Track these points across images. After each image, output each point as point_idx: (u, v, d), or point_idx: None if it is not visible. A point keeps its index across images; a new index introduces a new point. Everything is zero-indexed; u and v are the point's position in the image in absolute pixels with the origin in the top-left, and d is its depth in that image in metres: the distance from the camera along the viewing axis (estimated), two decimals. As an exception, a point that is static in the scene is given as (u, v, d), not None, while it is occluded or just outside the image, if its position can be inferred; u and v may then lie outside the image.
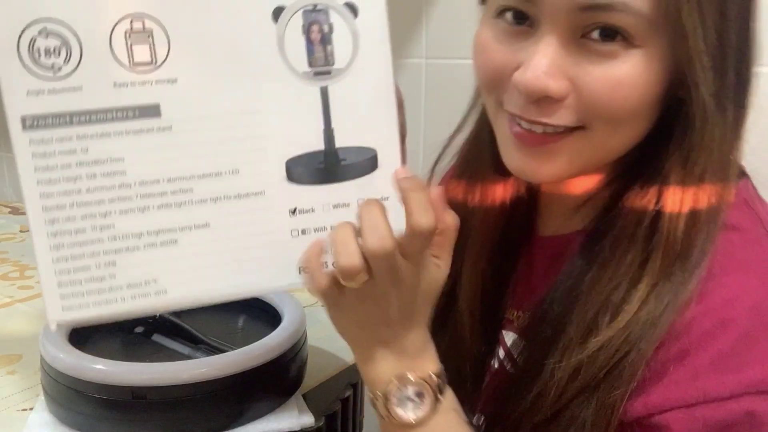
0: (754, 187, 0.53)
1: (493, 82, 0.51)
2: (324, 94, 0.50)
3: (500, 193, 0.61)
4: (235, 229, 0.50)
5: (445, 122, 1.07)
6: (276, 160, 0.49)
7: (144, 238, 0.49)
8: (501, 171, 0.56)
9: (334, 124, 0.50)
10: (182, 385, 0.63)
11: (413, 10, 1.04)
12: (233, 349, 0.68)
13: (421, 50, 1.06)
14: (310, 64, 0.49)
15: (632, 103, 0.46)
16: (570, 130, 0.48)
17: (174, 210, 0.49)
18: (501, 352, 0.60)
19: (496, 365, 0.60)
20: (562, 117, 0.48)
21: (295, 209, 0.50)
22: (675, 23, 0.44)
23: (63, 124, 0.46)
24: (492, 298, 0.62)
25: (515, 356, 0.55)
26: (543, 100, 0.47)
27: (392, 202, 0.49)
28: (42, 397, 0.70)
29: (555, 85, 0.46)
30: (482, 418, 0.58)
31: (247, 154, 0.49)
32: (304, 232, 0.51)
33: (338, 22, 0.49)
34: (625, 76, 0.46)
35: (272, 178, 0.49)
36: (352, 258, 0.45)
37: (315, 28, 0.49)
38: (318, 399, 0.74)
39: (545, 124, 0.48)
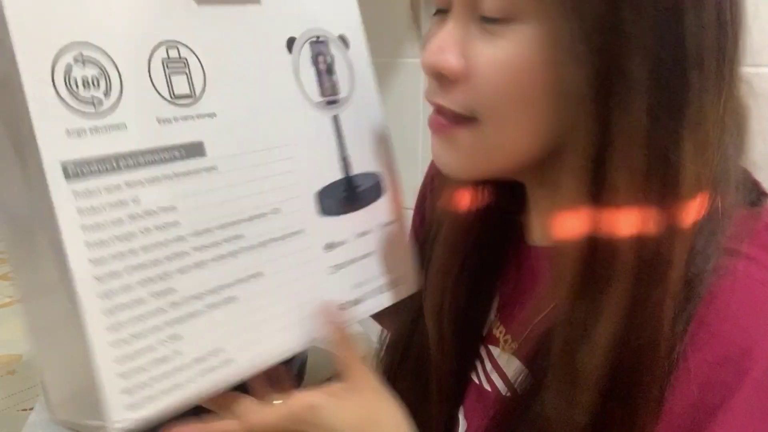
0: None
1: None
2: (336, 122, 0.50)
3: (470, 198, 0.56)
4: (286, 274, 0.46)
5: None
6: (307, 193, 0.47)
7: (205, 298, 0.42)
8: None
9: (347, 152, 0.50)
10: None
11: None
12: None
13: (420, 50, 1.06)
14: (322, 94, 0.49)
15: (517, 90, 0.43)
16: (463, 120, 0.45)
17: (230, 261, 0.43)
18: (492, 373, 0.56)
19: (488, 387, 0.56)
20: (454, 100, 0.45)
21: (330, 243, 0.49)
22: None
23: (110, 170, 0.38)
24: (469, 310, 0.57)
25: (515, 383, 0.51)
26: (440, 79, 0.45)
27: (397, 226, 0.51)
28: (42, 397, 0.70)
29: (445, 60, 0.44)
30: None
31: (285, 191, 0.46)
32: (339, 267, 0.49)
33: (336, 53, 0.50)
34: (510, 58, 0.42)
35: (307, 213, 0.47)
36: None
37: (321, 59, 0.49)
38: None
39: (441, 107, 0.46)
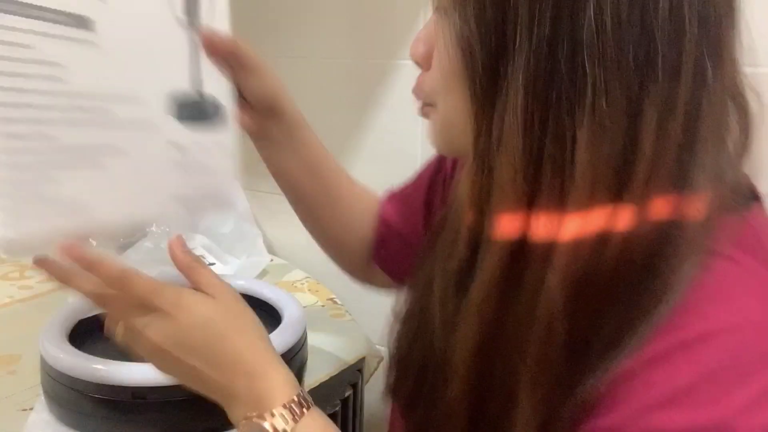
0: (765, 215, 0.48)
1: None
2: (193, 42, 0.56)
3: None
4: (140, 154, 0.54)
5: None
6: (160, 92, 0.55)
7: (80, 154, 0.50)
8: None
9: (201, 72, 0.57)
10: (181, 385, 0.63)
11: (411, 10, 1.05)
12: None
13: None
14: (187, 15, 0.56)
15: (444, 72, 0.47)
16: (426, 105, 0.52)
17: (100, 128, 0.51)
18: None
19: None
20: (420, 87, 0.52)
21: (173, 142, 0.56)
22: None
23: (10, 12, 0.45)
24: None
25: None
26: (420, 67, 0.51)
27: (229, 152, 0.62)
28: (42, 397, 0.70)
29: (415, 49, 0.51)
30: None
31: (147, 84, 0.54)
32: (178, 165, 0.57)
33: None
34: (441, 45, 0.47)
35: (158, 110, 0.55)
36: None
37: None
38: (318, 399, 0.74)
39: (415, 94, 0.53)
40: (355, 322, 0.95)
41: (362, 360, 0.84)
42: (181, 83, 0.55)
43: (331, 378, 0.79)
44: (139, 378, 0.63)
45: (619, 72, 0.41)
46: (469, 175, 0.46)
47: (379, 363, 0.90)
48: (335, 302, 1.00)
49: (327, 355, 0.83)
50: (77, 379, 0.64)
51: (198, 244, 1.10)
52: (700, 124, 0.43)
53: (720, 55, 0.43)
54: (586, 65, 0.40)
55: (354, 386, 0.80)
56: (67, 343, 0.68)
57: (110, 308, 0.54)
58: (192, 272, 0.54)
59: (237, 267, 1.09)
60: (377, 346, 0.91)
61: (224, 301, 0.53)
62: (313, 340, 0.81)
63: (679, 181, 0.43)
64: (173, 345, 0.51)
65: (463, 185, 0.47)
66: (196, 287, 0.53)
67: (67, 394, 0.65)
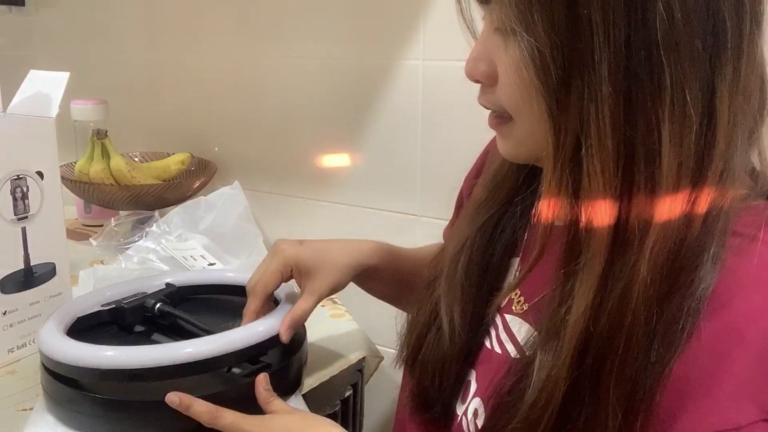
0: None
1: None
2: (24, 231, 0.80)
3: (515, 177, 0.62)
4: None
5: (442, 124, 1.08)
6: None
7: None
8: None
9: (30, 250, 0.81)
10: (181, 365, 0.64)
11: (411, 11, 1.05)
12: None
13: (419, 51, 1.06)
14: (15, 214, 0.79)
15: (528, 86, 0.47)
16: (504, 119, 0.53)
17: None
18: (504, 337, 0.59)
19: (499, 350, 0.59)
20: (491, 101, 0.53)
21: (5, 311, 0.80)
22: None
23: None
24: (486, 275, 0.62)
25: (524, 345, 0.54)
26: (480, 83, 0.53)
27: (64, 295, 0.85)
28: (42, 397, 0.70)
29: (476, 68, 0.52)
30: (480, 404, 0.58)
31: None
32: (11, 325, 0.81)
33: (32, 184, 0.80)
34: (514, 61, 0.48)
35: None
36: None
37: (18, 189, 0.79)
38: (318, 399, 0.74)
39: (483, 106, 0.54)
40: (355, 322, 0.95)
41: (362, 360, 0.84)
42: (15, 265, 0.80)
43: (331, 378, 0.79)
44: (139, 361, 0.63)
45: (692, 61, 0.43)
46: (552, 184, 0.47)
47: (379, 363, 0.90)
48: (335, 302, 1.00)
49: (327, 355, 0.83)
50: (75, 367, 0.63)
51: (198, 244, 1.10)
52: (750, 101, 0.46)
53: (762, 27, 0.46)
54: (663, 61, 0.43)
55: (354, 386, 0.80)
56: (65, 336, 0.68)
57: None
58: (270, 405, 0.65)
59: (237, 267, 1.09)
60: (377, 346, 0.91)
61: (297, 414, 0.64)
62: (313, 340, 0.81)
63: (735, 163, 0.46)
64: None
65: (546, 193, 0.48)
66: (276, 413, 0.64)
67: (67, 392, 0.65)
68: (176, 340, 0.75)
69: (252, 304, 0.72)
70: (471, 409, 0.59)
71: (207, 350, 0.65)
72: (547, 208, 0.48)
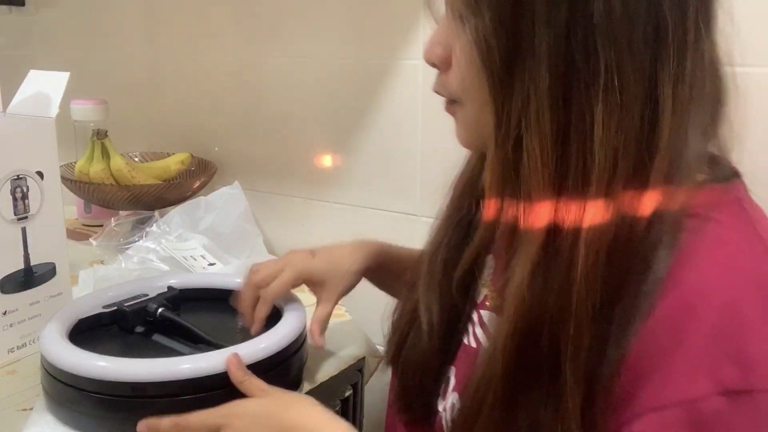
0: (746, 189, 0.52)
1: None
2: (24, 231, 0.80)
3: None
4: None
5: (442, 124, 1.07)
6: None
7: None
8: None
9: (30, 250, 0.80)
10: (182, 380, 0.63)
11: (411, 10, 1.05)
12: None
13: (419, 51, 1.06)
14: (15, 214, 0.79)
15: (473, 71, 0.49)
16: (452, 102, 0.55)
17: None
18: (479, 331, 0.61)
19: (474, 344, 0.61)
20: (442, 85, 0.55)
21: (5, 311, 0.79)
22: None
23: None
24: (463, 278, 0.63)
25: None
26: (437, 68, 0.55)
27: (64, 295, 0.84)
28: (42, 397, 0.70)
29: (432, 53, 0.54)
30: (457, 398, 0.59)
31: None
32: (11, 325, 0.80)
33: (32, 184, 0.80)
34: (466, 44, 0.50)
35: None
36: None
37: (18, 190, 0.79)
38: (318, 399, 0.74)
39: (437, 92, 0.56)
40: (355, 322, 0.95)
41: (362, 360, 0.84)
42: (14, 264, 0.80)
43: (331, 378, 0.79)
44: (138, 373, 0.63)
45: (630, 51, 0.45)
46: (493, 164, 0.49)
47: (379, 363, 0.90)
48: (335, 302, 1.00)
49: (327, 355, 0.83)
50: (77, 375, 0.64)
51: (198, 244, 1.10)
52: (701, 93, 0.47)
53: (711, 25, 0.48)
54: (598, 47, 0.44)
55: (354, 386, 0.80)
56: (68, 342, 0.68)
57: None
58: (243, 384, 0.64)
59: (237, 267, 1.09)
60: (377, 346, 0.91)
61: (270, 395, 0.63)
62: (313, 340, 0.81)
63: (685, 151, 0.47)
64: None
65: (488, 175, 0.50)
66: (250, 395, 0.63)
67: (67, 393, 0.65)
68: (177, 340, 0.75)
69: (262, 311, 0.75)
70: (449, 403, 0.60)
71: (213, 367, 0.65)
72: (491, 190, 0.50)
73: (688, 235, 0.46)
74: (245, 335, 0.74)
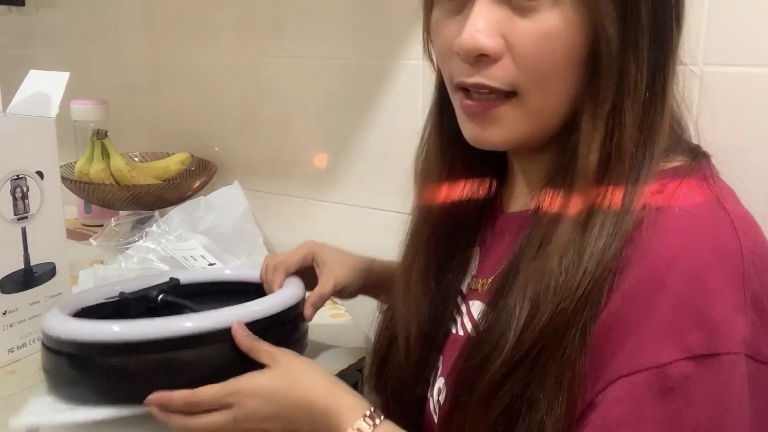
0: (713, 168, 0.54)
1: (444, 57, 0.56)
2: (24, 231, 0.81)
3: (450, 182, 0.65)
4: None
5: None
6: None
7: None
8: (451, 162, 0.65)
9: (30, 250, 0.81)
10: (181, 337, 0.64)
11: (411, 11, 1.05)
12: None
13: (419, 51, 1.06)
14: (15, 213, 0.79)
15: (559, 56, 0.50)
16: (505, 96, 0.52)
17: None
18: (467, 321, 0.62)
19: (462, 333, 0.62)
20: (498, 77, 0.51)
21: (5, 311, 0.80)
22: None
23: None
24: (446, 272, 0.65)
25: (478, 320, 0.56)
26: (481, 60, 0.51)
27: (65, 295, 0.84)
28: (42, 397, 0.69)
29: (489, 41, 0.50)
30: (443, 383, 0.60)
31: None
32: (11, 325, 0.81)
33: (32, 184, 0.80)
34: (551, 27, 0.49)
35: None
36: None
37: (18, 190, 0.79)
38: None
39: (483, 86, 0.52)
40: (355, 322, 0.95)
41: (362, 360, 0.84)
42: (14, 264, 0.80)
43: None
44: (137, 332, 0.63)
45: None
46: (588, 146, 0.51)
47: (379, 363, 0.90)
48: (335, 302, 1.00)
49: (327, 355, 0.83)
50: (77, 342, 0.64)
51: (198, 244, 1.10)
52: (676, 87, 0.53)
53: (681, 18, 0.53)
54: (673, 25, 0.51)
55: (354, 386, 0.80)
56: (71, 318, 0.69)
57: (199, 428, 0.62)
58: (252, 351, 0.64)
59: (238, 266, 1.09)
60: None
61: (281, 364, 0.63)
62: (314, 339, 0.81)
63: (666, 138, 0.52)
64: (259, 422, 0.60)
65: (583, 160, 0.51)
66: (258, 360, 0.64)
67: (70, 364, 0.65)
68: None
69: (277, 278, 0.78)
70: (436, 388, 0.62)
71: (217, 322, 0.66)
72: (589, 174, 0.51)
73: (654, 209, 0.48)
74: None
